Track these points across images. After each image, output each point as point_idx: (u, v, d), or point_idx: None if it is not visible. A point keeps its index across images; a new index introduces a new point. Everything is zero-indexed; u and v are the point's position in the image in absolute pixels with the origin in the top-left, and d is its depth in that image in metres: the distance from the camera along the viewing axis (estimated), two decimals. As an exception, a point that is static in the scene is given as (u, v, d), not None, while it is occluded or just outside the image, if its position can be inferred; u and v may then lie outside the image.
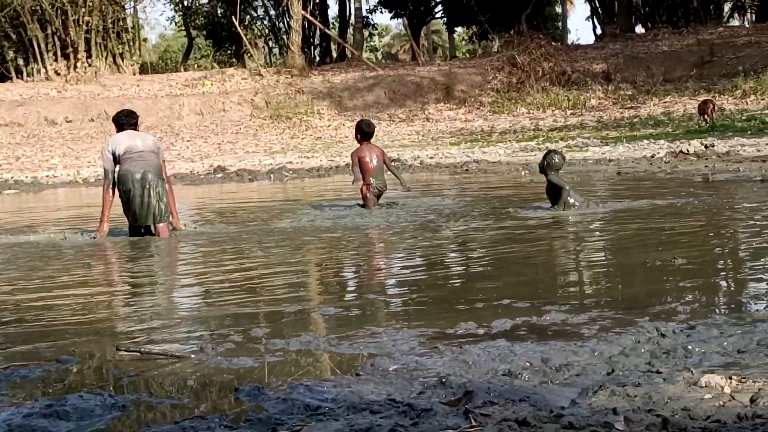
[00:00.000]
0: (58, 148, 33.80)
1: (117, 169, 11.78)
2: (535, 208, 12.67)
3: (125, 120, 12.14)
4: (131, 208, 11.72)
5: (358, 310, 6.97)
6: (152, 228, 11.85)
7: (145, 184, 11.67)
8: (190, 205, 16.74)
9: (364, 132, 14.26)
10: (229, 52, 53.70)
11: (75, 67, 43.36)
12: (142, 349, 5.77)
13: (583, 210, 12.06)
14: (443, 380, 4.73)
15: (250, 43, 48.31)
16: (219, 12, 56.02)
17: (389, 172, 14.26)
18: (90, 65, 43.70)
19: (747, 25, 55.73)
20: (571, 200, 12.16)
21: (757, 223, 10.50)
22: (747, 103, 32.19)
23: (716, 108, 27.95)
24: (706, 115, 27.32)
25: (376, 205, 13.82)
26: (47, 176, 25.96)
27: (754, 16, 58.92)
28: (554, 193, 12.25)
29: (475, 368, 5.03)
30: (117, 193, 11.78)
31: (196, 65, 51.94)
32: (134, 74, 45.40)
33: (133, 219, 11.81)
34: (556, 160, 12.36)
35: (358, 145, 14.28)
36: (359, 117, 36.62)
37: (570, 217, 11.73)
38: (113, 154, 11.74)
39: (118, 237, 11.83)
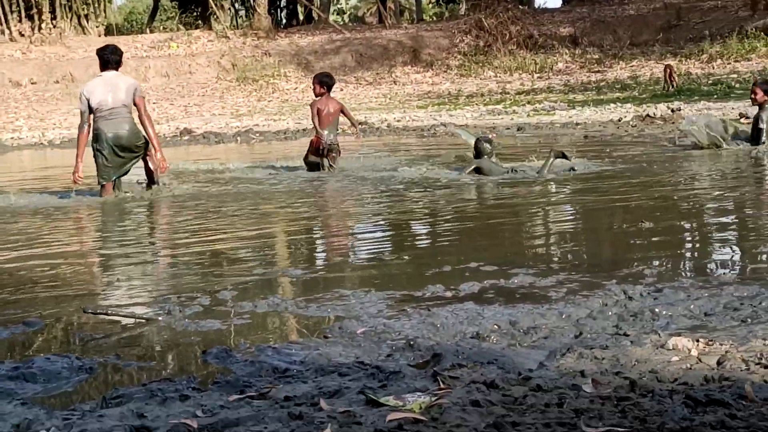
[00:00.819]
0: (22, 110, 33.59)
1: (91, 118, 11.77)
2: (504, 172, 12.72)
3: (110, 57, 11.98)
4: (101, 163, 11.78)
5: (325, 272, 6.97)
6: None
7: (117, 143, 11.72)
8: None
9: (325, 83, 14.34)
10: (195, 13, 53.21)
11: (39, 28, 43.00)
12: (109, 311, 5.74)
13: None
14: (411, 343, 4.73)
15: (216, 4, 47.96)
16: (185, -28, 55.60)
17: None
18: (55, 26, 43.34)
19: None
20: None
21: (724, 187, 10.55)
22: (713, 68, 32.29)
23: (674, 72, 27.99)
24: (669, 78, 27.41)
25: (323, 159, 13.93)
26: (12, 138, 25.79)
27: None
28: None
29: (444, 331, 5.03)
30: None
31: (161, 27, 51.60)
32: (99, 36, 45.03)
33: (104, 172, 11.84)
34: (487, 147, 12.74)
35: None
36: (326, 80, 36.58)
37: (539, 182, 11.75)
38: (88, 101, 11.67)
39: (85, 199, 11.74)
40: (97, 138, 11.74)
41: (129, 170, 12.01)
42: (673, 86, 27.14)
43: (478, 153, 12.78)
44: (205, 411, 3.63)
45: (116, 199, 11.65)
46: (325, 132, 13.86)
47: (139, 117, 11.77)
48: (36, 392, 4.28)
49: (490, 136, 13.36)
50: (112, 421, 3.55)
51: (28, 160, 21.45)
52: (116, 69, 11.97)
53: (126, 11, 79.75)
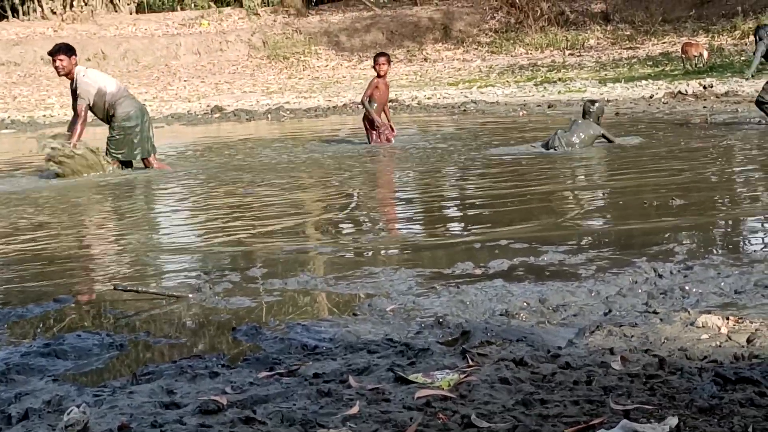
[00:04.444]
0: (54, 87, 33.61)
1: (108, 106, 12.00)
2: (530, 147, 12.72)
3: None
4: (131, 142, 12.05)
5: (355, 250, 6.98)
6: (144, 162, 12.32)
7: (145, 118, 12.19)
8: (186, 142, 16.66)
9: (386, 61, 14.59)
10: (225, -9, 53.27)
11: (71, 6, 43.03)
12: (140, 289, 5.77)
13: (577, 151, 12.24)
14: (440, 320, 4.73)
15: (247, -18, 47.94)
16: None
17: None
18: (86, 4, 43.33)
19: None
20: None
21: (756, 165, 10.49)
22: (746, 44, 32.00)
23: (699, 49, 27.72)
24: (685, 56, 27.20)
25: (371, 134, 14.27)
26: (44, 116, 25.86)
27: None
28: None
29: (473, 308, 5.04)
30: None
31: (192, 4, 51.51)
32: (131, 14, 44.98)
33: (128, 153, 12.11)
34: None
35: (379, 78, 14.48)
36: (357, 58, 36.57)
37: (567, 157, 11.72)
38: (98, 90, 11.91)
39: (106, 177, 11.79)
40: (128, 118, 11.99)
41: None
42: (691, 64, 26.91)
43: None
44: (234, 388, 3.65)
45: (150, 175, 11.83)
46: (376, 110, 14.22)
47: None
48: (67, 369, 4.31)
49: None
50: (142, 397, 3.58)
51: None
52: None
53: (157, -11, 79.66)
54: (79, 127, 11.84)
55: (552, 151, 12.25)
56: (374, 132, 14.29)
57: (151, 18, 43.48)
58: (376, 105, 14.24)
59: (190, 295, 5.60)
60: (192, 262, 6.88)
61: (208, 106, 25.59)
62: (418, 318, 4.89)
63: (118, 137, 12.02)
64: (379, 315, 4.98)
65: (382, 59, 14.44)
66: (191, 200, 10.25)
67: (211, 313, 5.24)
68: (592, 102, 13.16)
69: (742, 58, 28.04)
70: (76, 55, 12.09)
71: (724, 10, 37.40)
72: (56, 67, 11.95)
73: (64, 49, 11.98)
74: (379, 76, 14.28)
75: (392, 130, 14.51)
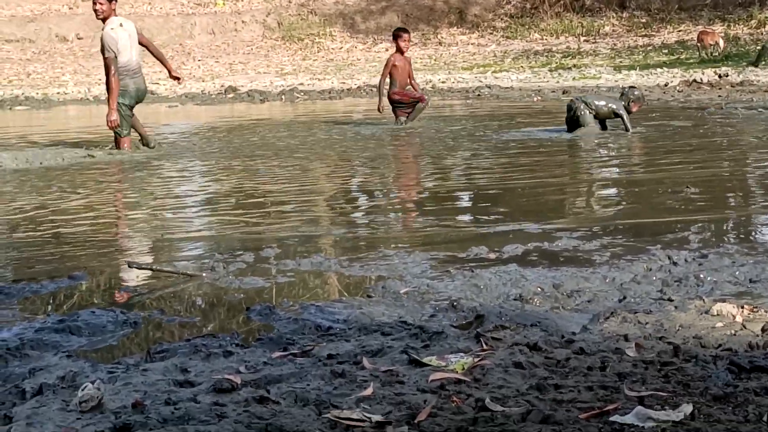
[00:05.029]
0: (69, 65, 33.70)
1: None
2: (545, 132, 12.74)
3: None
4: (126, 115, 12.16)
5: (369, 231, 6.98)
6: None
7: (141, 97, 12.40)
8: (201, 122, 16.67)
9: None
10: (241, -29, 53.20)
11: (86, -17, 43.07)
12: (154, 267, 5.78)
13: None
14: (455, 304, 4.73)
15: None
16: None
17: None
18: (102, -18, 43.32)
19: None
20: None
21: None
22: (762, 33, 31.93)
23: (714, 38, 27.64)
24: (701, 45, 27.15)
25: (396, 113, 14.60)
26: (58, 93, 25.90)
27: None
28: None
29: (487, 292, 5.03)
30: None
31: (208, -16, 51.55)
32: (147, -9, 45.06)
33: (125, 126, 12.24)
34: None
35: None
36: (372, 40, 36.56)
37: (582, 143, 11.72)
38: (116, 55, 11.93)
39: (119, 157, 11.80)
40: (123, 93, 12.00)
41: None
42: (707, 53, 26.85)
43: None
44: (248, 367, 3.66)
45: (147, 153, 11.96)
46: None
47: (153, 52, 12.60)
48: (81, 345, 4.32)
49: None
50: (156, 375, 3.59)
51: (74, 114, 21.53)
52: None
53: (173, -33, 79.57)
54: (112, 84, 11.92)
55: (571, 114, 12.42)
56: (399, 111, 14.36)
57: (167, -4, 43.46)
58: (398, 84, 14.27)
59: (204, 274, 5.60)
60: (206, 242, 6.88)
61: (222, 86, 25.61)
62: (432, 301, 4.89)
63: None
64: (393, 297, 4.98)
65: (407, 35, 14.52)
66: (205, 181, 10.25)
67: (225, 293, 5.24)
68: (633, 87, 13.25)
69: (758, 48, 27.93)
70: (116, 2, 12.13)
71: (740, 0, 37.27)
72: (95, 10, 12.08)
73: None
74: (401, 52, 14.31)
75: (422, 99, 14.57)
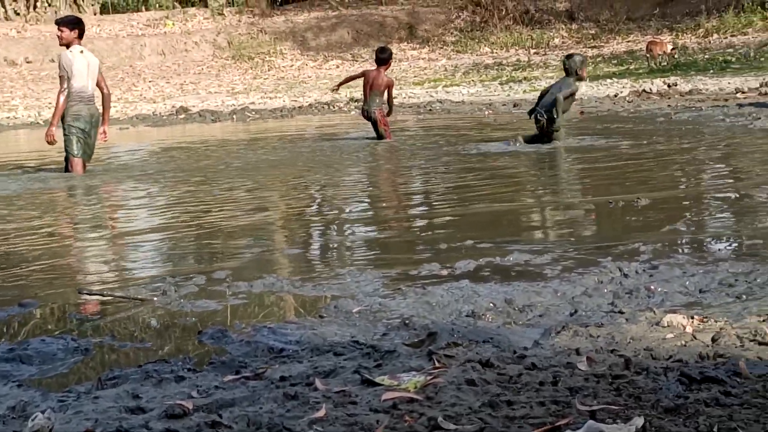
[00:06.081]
0: (18, 89, 33.47)
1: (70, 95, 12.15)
2: (499, 146, 12.81)
3: (84, 27, 12.57)
4: (80, 138, 12.19)
5: (321, 251, 6.97)
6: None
7: (95, 123, 12.35)
8: (153, 142, 16.62)
9: (377, 56, 15.05)
10: (190, -9, 53.11)
11: (35, 7, 42.80)
12: (105, 292, 5.74)
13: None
14: (407, 322, 4.73)
15: (211, -18, 47.78)
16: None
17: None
18: (50, 5, 43.11)
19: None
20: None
21: (720, 164, 10.54)
22: (709, 42, 32.20)
23: (661, 48, 27.88)
24: (650, 55, 27.41)
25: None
26: (8, 117, 25.71)
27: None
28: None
29: (439, 309, 5.04)
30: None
31: (157, 5, 51.37)
32: (95, 14, 44.78)
33: (77, 148, 12.22)
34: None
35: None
36: (322, 57, 36.58)
37: (533, 156, 11.77)
38: (69, 79, 12.09)
39: (71, 182, 11.74)
40: (77, 118, 12.10)
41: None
42: (657, 63, 27.09)
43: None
44: (200, 392, 3.64)
45: (101, 176, 11.91)
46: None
47: (103, 96, 12.55)
48: (32, 374, 4.28)
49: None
50: (107, 402, 3.56)
51: (24, 139, 21.38)
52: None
53: (121, -11, 79.27)
54: (59, 102, 12.21)
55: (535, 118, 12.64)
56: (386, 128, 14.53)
57: (115, 18, 43.29)
58: (378, 98, 14.48)
59: (156, 299, 5.58)
60: (158, 265, 6.85)
61: (173, 107, 25.53)
62: (385, 320, 4.89)
63: (66, 135, 12.14)
64: (345, 317, 4.97)
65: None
66: (158, 202, 10.20)
67: (177, 317, 5.22)
68: (570, 56, 13.24)
69: (706, 56, 28.17)
70: (80, 30, 12.32)
71: (687, 9, 37.57)
72: (58, 37, 12.34)
73: (67, 22, 12.40)
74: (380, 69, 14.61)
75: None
